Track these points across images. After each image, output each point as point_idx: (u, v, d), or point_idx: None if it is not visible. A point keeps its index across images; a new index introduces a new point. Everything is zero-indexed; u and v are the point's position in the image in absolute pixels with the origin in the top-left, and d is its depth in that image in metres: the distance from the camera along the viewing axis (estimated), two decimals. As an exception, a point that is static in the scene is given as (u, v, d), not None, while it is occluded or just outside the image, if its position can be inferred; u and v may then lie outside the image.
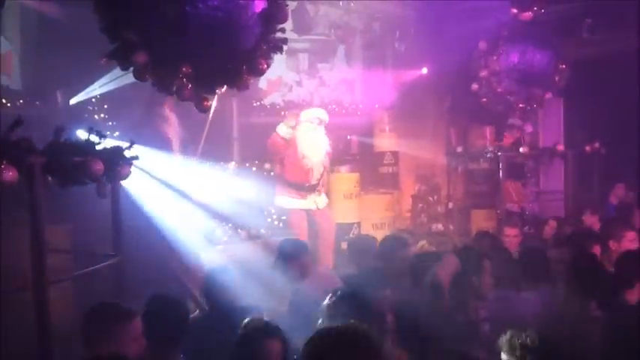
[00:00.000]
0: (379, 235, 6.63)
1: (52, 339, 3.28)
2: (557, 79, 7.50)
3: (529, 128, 8.18)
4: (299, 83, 8.86)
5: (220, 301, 3.72)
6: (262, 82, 8.13)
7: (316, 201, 6.57)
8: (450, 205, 9.04)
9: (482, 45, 7.58)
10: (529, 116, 8.03)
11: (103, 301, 2.94)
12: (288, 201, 6.49)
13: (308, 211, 6.53)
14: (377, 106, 9.07)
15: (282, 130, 6.37)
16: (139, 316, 2.75)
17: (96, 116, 6.80)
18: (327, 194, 6.93)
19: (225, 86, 3.74)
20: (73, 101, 6.40)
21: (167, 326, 2.96)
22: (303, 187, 6.44)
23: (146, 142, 5.22)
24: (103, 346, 2.58)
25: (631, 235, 4.62)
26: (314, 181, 6.49)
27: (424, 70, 8.79)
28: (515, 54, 7.37)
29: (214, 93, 3.73)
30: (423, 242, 6.53)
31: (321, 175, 6.56)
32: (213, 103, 5.62)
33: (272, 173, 7.08)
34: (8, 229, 3.99)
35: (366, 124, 8.83)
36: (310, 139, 6.42)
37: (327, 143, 6.61)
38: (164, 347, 2.94)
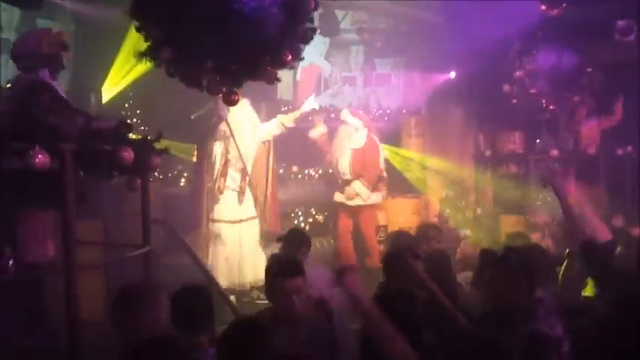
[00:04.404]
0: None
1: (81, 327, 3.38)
2: (585, 81, 7.39)
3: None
4: (352, 81, 9.00)
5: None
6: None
7: (347, 196, 7.00)
8: (479, 210, 8.94)
9: (518, 45, 7.52)
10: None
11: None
12: (337, 195, 7.12)
13: (350, 210, 7.05)
14: (404, 110, 9.07)
15: (313, 133, 7.05)
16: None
17: (128, 121, 6.97)
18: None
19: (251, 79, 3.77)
20: (105, 99, 6.55)
21: (192, 313, 2.98)
22: (340, 181, 7.05)
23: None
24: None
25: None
26: (346, 176, 6.99)
27: (452, 74, 8.75)
28: (547, 55, 7.30)
29: (241, 85, 3.76)
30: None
31: (353, 172, 6.96)
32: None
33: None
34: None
35: (394, 129, 8.82)
36: (335, 138, 7.05)
37: (355, 141, 7.01)
38: (190, 334, 2.96)
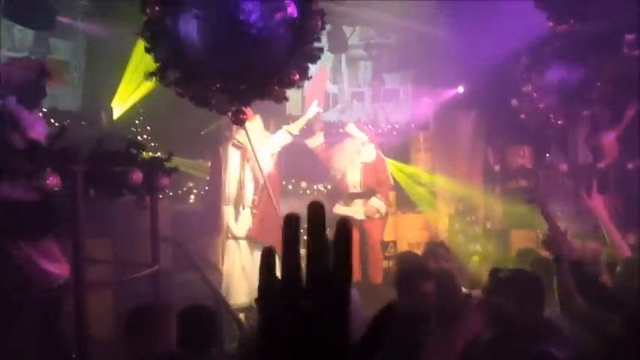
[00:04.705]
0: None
1: (90, 345, 3.41)
2: (594, 96, 7.37)
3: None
4: (360, 96, 9.02)
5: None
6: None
7: (356, 210, 7.02)
8: (489, 225, 8.90)
9: (525, 59, 7.52)
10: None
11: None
12: (338, 207, 7.13)
13: (357, 222, 6.99)
14: (413, 125, 9.10)
15: (312, 142, 7.03)
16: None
17: (139, 137, 7.04)
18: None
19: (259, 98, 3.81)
20: (116, 116, 6.61)
21: (197, 332, 2.98)
22: (344, 194, 7.10)
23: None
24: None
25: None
26: (352, 190, 7.04)
27: (460, 89, 8.77)
28: (555, 70, 7.29)
29: (249, 105, 3.80)
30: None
31: (364, 185, 7.03)
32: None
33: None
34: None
35: (402, 144, 8.84)
36: (339, 153, 7.04)
37: (366, 156, 7.10)
38: (194, 353, 2.96)
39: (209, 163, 6.58)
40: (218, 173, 6.12)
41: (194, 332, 2.94)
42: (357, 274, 7.05)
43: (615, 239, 3.99)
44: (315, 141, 7.04)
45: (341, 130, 7.80)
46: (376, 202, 7.06)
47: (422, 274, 3.28)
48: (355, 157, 7.03)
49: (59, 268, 3.69)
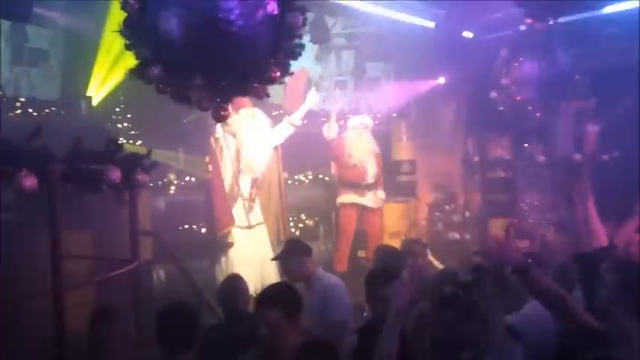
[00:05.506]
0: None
1: (68, 342, 3.41)
2: (573, 88, 7.44)
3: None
4: (343, 85, 9.08)
5: (236, 309, 3.82)
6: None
7: (373, 199, 7.42)
8: (467, 213, 9.03)
9: (504, 52, 7.56)
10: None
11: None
12: (352, 197, 7.33)
13: (359, 212, 7.33)
14: (394, 115, 9.14)
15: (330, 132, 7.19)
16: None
17: (119, 125, 6.97)
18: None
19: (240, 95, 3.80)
20: (95, 102, 6.53)
21: (177, 332, 2.97)
22: (360, 185, 7.33)
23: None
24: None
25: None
26: (370, 180, 7.35)
27: (441, 80, 8.82)
28: (534, 63, 7.34)
29: (229, 102, 3.79)
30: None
31: (377, 175, 7.43)
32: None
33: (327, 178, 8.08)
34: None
35: (384, 133, 8.88)
36: (356, 142, 7.33)
37: (375, 146, 7.56)
38: (175, 353, 2.96)
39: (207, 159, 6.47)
40: (216, 163, 6.06)
41: (170, 332, 2.93)
42: (346, 264, 7.13)
43: (596, 227, 4.05)
44: (332, 131, 7.14)
45: (323, 119, 7.81)
46: (381, 194, 7.55)
47: (382, 279, 3.19)
48: (371, 149, 7.40)
49: None
